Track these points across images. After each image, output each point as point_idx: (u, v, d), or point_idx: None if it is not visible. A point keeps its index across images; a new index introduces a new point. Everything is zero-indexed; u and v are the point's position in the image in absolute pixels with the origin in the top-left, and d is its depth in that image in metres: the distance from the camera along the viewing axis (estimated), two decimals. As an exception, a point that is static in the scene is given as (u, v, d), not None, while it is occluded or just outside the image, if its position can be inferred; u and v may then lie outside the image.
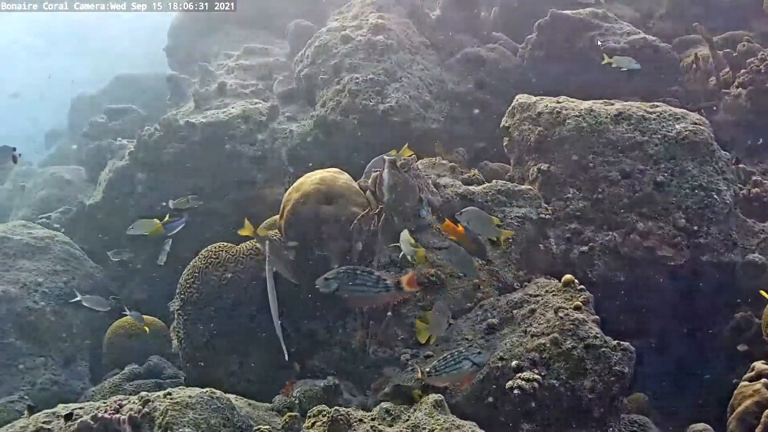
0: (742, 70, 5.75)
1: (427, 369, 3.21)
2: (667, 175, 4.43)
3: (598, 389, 3.29)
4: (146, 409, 3.19)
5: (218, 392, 3.32)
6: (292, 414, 3.61)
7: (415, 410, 3.20)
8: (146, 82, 12.10)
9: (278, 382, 4.15)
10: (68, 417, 3.21)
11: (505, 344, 3.59)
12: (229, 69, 7.70)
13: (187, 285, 4.39)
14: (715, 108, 5.83)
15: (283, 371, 4.21)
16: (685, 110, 4.81)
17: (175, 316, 4.61)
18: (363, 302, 3.70)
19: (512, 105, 5.19)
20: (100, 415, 3.18)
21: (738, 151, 5.62)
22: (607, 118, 4.67)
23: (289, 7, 9.05)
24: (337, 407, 3.23)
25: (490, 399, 3.45)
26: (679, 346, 4.55)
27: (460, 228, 3.82)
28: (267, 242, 3.97)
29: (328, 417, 3.11)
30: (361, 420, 3.15)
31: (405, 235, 3.58)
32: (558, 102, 4.92)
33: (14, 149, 4.65)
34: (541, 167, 4.77)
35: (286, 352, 3.63)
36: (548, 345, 3.42)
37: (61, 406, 3.43)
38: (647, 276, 4.39)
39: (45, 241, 6.10)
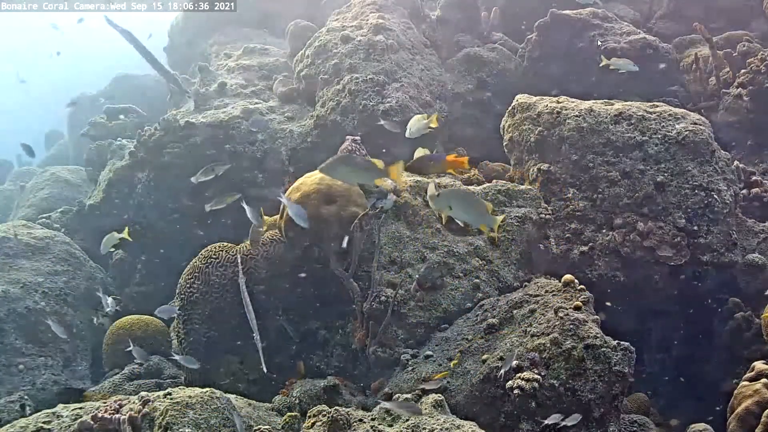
0: (742, 70, 5.75)
1: None
2: (667, 175, 4.43)
3: (598, 389, 3.29)
4: (146, 409, 3.19)
5: (218, 392, 3.32)
6: (293, 414, 3.61)
7: (415, 410, 3.20)
8: (146, 82, 12.10)
9: (278, 382, 4.15)
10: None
11: (505, 344, 3.59)
12: (229, 69, 7.68)
13: (188, 285, 4.39)
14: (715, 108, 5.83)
15: (283, 371, 4.21)
16: (685, 110, 4.81)
17: (175, 316, 4.61)
18: None
19: (512, 105, 5.19)
20: (100, 415, 3.18)
21: (738, 151, 5.63)
22: (607, 118, 4.67)
23: (289, 7, 9.02)
24: (337, 407, 3.23)
25: (490, 399, 3.46)
26: (679, 346, 4.56)
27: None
28: (240, 256, 3.96)
29: (328, 417, 3.11)
30: (361, 420, 3.15)
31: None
32: (558, 102, 4.92)
33: None
34: (541, 167, 4.77)
35: (264, 365, 3.61)
36: (548, 345, 3.41)
37: (61, 406, 3.43)
38: (647, 276, 4.39)
39: (45, 241, 6.09)
